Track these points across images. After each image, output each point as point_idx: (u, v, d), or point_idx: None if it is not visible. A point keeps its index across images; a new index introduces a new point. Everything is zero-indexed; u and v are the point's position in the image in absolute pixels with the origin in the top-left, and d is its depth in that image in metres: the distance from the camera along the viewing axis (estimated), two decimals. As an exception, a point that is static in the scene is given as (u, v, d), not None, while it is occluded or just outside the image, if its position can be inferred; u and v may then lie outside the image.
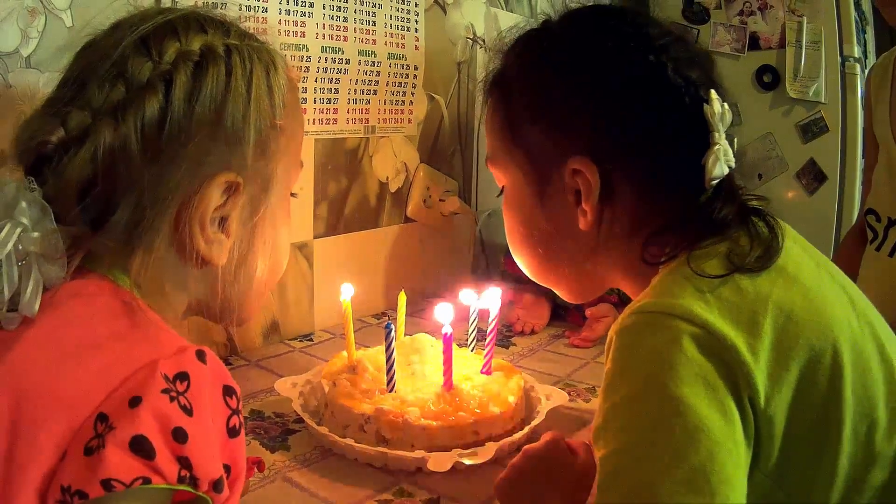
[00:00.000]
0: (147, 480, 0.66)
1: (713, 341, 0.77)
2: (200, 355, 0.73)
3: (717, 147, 0.87)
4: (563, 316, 2.00)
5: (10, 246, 0.71)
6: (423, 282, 2.12)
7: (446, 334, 1.27)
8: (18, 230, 0.71)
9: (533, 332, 1.92)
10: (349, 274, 1.84)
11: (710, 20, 3.18)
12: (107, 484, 0.65)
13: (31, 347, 0.71)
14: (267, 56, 0.86)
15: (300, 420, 1.30)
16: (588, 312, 1.86)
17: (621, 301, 1.86)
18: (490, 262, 2.45)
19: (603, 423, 0.80)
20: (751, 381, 0.76)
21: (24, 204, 0.72)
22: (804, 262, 0.90)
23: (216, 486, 0.72)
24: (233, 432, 0.75)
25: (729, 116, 0.89)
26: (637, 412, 0.78)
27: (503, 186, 1.06)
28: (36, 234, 0.72)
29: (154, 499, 0.69)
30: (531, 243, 1.03)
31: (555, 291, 1.09)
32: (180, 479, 0.69)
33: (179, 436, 0.68)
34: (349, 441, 1.19)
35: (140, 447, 0.66)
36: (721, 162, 0.87)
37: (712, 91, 0.89)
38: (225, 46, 0.82)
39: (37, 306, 0.72)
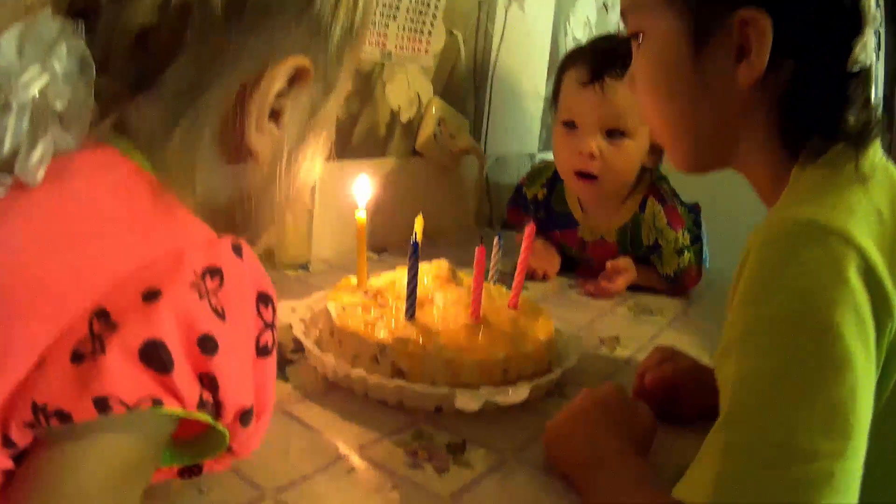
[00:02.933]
0: (158, 402, 0.51)
1: (870, 272, 0.70)
2: (237, 249, 0.58)
3: (865, 37, 0.80)
4: (572, 268, 1.83)
5: (32, 91, 0.56)
6: (426, 221, 1.94)
7: (479, 252, 1.09)
8: (47, 78, 0.57)
9: (545, 279, 1.76)
10: (352, 203, 1.70)
11: None
12: (102, 403, 0.49)
13: (21, 222, 0.55)
14: None
15: (299, 349, 1.13)
16: (609, 265, 1.70)
17: (637, 259, 1.73)
18: (494, 208, 2.29)
19: (741, 336, 0.73)
20: (892, 320, 0.70)
21: (63, 49, 0.58)
22: None
23: (244, 417, 0.57)
24: (263, 351, 0.60)
25: (880, 18, 0.82)
26: (783, 333, 0.70)
27: (639, 35, 0.95)
28: (66, 89, 0.58)
29: (157, 429, 0.55)
30: (667, 97, 0.94)
31: (667, 152, 1.01)
32: (201, 405, 0.54)
33: (208, 345, 0.52)
34: (360, 372, 1.00)
35: (153, 356, 0.50)
36: (868, 51, 0.80)
37: None
38: None
39: (40, 175, 0.56)
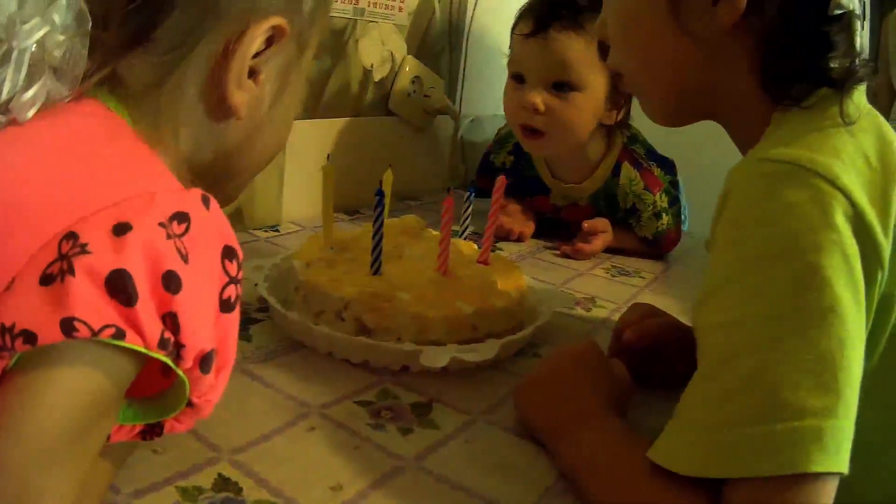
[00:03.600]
0: (120, 333, 0.51)
1: (858, 217, 0.67)
2: (205, 200, 0.59)
3: None
4: (548, 230, 1.78)
5: (30, 40, 0.58)
6: (400, 181, 1.90)
7: (447, 203, 1.05)
8: (46, 28, 0.59)
9: (519, 240, 1.72)
10: (323, 163, 1.65)
11: None
12: (67, 325, 0.49)
13: (4, 150, 0.57)
14: None
15: (264, 308, 1.09)
16: (585, 225, 1.65)
17: (615, 222, 1.69)
18: (469, 168, 2.24)
19: (721, 281, 0.71)
20: (883, 271, 0.68)
21: (63, 2, 0.60)
22: None
23: (204, 362, 0.57)
24: (226, 306, 0.59)
25: None
26: (766, 277, 0.67)
27: None
28: (61, 38, 0.60)
29: (120, 369, 0.54)
30: (643, 43, 0.91)
31: (643, 104, 0.96)
32: (161, 343, 0.53)
33: (172, 282, 0.53)
34: (323, 329, 0.96)
35: (119, 286, 0.50)
36: None
37: None
38: None
39: (30, 113, 0.58)
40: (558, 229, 1.76)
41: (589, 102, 1.58)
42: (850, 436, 0.63)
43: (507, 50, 1.67)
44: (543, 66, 1.57)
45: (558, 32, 1.54)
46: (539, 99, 1.57)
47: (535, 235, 1.76)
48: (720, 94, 0.87)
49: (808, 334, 0.64)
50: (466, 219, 1.22)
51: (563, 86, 1.56)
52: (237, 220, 1.55)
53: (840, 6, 0.77)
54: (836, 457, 0.62)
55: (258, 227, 1.60)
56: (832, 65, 0.78)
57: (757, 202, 0.70)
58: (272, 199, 1.63)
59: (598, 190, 1.70)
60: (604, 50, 1.50)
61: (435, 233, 1.18)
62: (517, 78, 1.62)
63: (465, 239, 1.21)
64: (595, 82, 1.57)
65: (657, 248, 1.69)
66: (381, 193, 1.02)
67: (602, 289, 1.42)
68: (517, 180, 1.75)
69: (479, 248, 1.18)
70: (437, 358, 0.91)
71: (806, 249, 0.66)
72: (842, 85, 0.77)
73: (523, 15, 1.64)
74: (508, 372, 0.99)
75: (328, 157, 1.21)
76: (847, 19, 0.79)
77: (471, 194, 1.21)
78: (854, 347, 0.65)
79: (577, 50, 1.55)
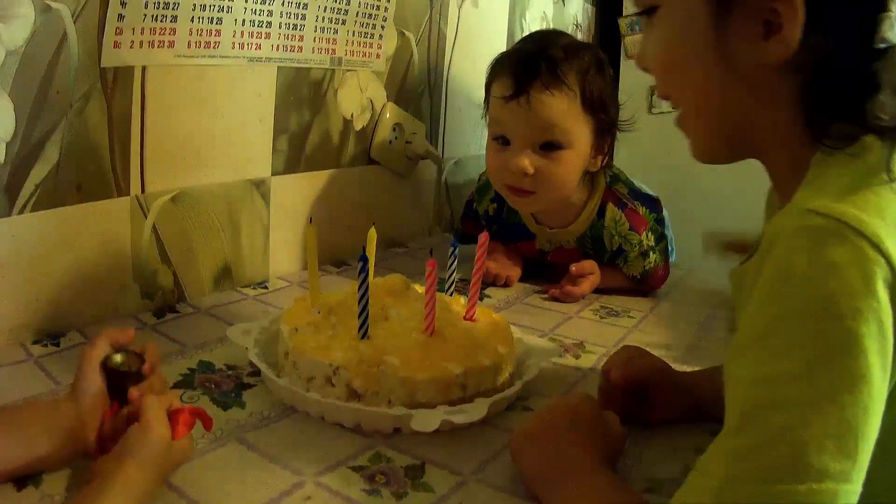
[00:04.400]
0: None
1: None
2: None
3: (891, 12, 0.77)
4: (536, 273, 1.82)
5: None
6: (386, 229, 1.95)
7: (431, 265, 1.08)
8: None
9: (506, 285, 1.76)
10: (309, 216, 1.69)
11: None
12: None
13: None
14: None
15: (256, 373, 1.13)
16: (573, 268, 1.68)
17: (602, 260, 1.73)
18: (455, 211, 2.29)
19: (758, 335, 0.71)
20: None
21: None
22: None
23: None
24: None
25: None
26: (804, 336, 0.68)
27: (653, 10, 0.91)
28: None
29: None
30: (685, 75, 0.91)
31: (687, 137, 0.96)
32: None
33: None
34: (314, 396, 1.00)
35: None
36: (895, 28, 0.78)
37: None
38: None
39: None
40: (545, 270, 1.80)
41: (576, 157, 1.60)
42: (856, 499, 0.66)
43: (482, 96, 1.71)
44: (528, 129, 1.58)
45: (540, 93, 1.54)
46: (527, 162, 1.57)
47: (523, 278, 1.80)
48: (762, 130, 0.88)
49: (839, 400, 0.66)
50: (452, 273, 1.26)
51: (549, 145, 1.58)
52: (225, 277, 1.60)
53: (885, 40, 0.78)
54: None
55: (247, 285, 1.64)
56: (880, 113, 0.78)
57: (800, 258, 0.70)
58: (258, 256, 1.67)
59: (584, 233, 1.73)
60: (586, 101, 1.54)
61: (420, 290, 1.22)
62: (500, 140, 1.63)
63: (450, 293, 1.25)
64: (581, 135, 1.58)
65: (646, 285, 1.73)
66: (364, 259, 1.06)
67: (591, 332, 1.46)
68: (501, 227, 1.81)
69: (466, 301, 1.22)
70: (427, 422, 0.95)
71: (845, 315, 0.67)
72: (891, 135, 0.78)
73: (498, 73, 1.64)
74: (499, 428, 1.03)
75: (310, 220, 1.24)
76: (893, 56, 0.79)
77: (455, 248, 1.25)
78: (875, 414, 0.66)
79: (561, 108, 1.55)
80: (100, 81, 1.30)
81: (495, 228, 1.82)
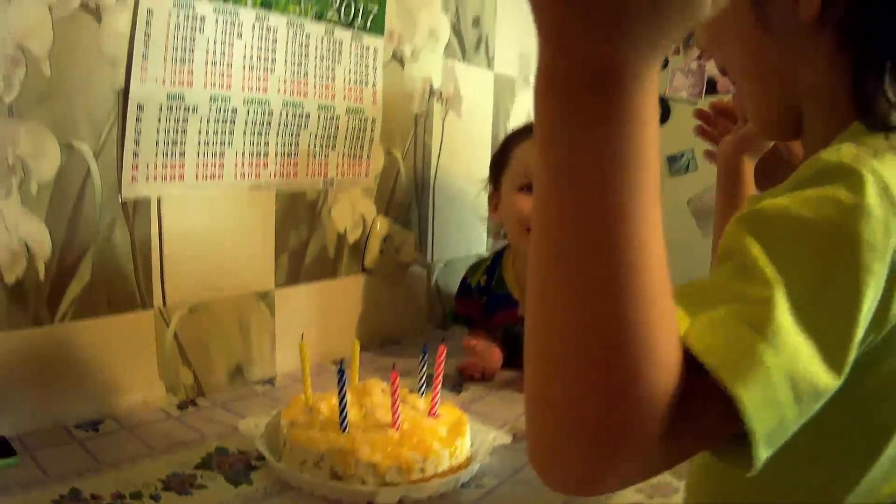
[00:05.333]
0: None
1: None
2: None
3: None
4: (517, 362, 2.02)
5: None
6: (381, 329, 2.23)
7: (394, 376, 1.36)
8: None
9: (484, 378, 1.99)
10: (309, 322, 1.97)
11: (667, 66, 3.34)
12: None
13: None
14: None
15: (262, 457, 1.38)
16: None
17: None
18: (446, 309, 2.54)
19: (770, 217, 0.70)
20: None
21: None
22: None
23: None
24: None
25: None
26: (816, 245, 0.67)
27: None
28: None
29: None
30: (734, 47, 0.94)
31: (746, 107, 0.99)
32: None
33: None
34: (305, 476, 1.29)
35: None
36: None
37: None
38: None
39: None
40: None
41: None
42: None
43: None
44: None
45: None
46: None
47: (506, 364, 2.02)
48: (807, 98, 0.89)
49: (840, 319, 0.65)
50: (422, 378, 1.53)
51: None
52: (238, 374, 1.87)
53: None
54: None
55: (257, 382, 1.90)
56: None
57: (824, 179, 0.70)
58: (266, 357, 1.93)
59: None
60: None
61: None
62: (527, 189, 1.96)
63: (421, 392, 1.53)
64: None
65: None
66: (342, 372, 1.34)
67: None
68: (489, 297, 2.10)
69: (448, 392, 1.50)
70: (389, 496, 1.24)
71: (859, 235, 0.65)
72: None
73: (525, 134, 2.01)
74: (453, 502, 1.31)
75: (302, 336, 1.52)
76: None
77: (424, 354, 1.52)
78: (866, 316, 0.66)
79: None
80: (122, 210, 1.56)
81: (484, 299, 2.10)
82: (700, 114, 1.52)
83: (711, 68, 3.23)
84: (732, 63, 0.96)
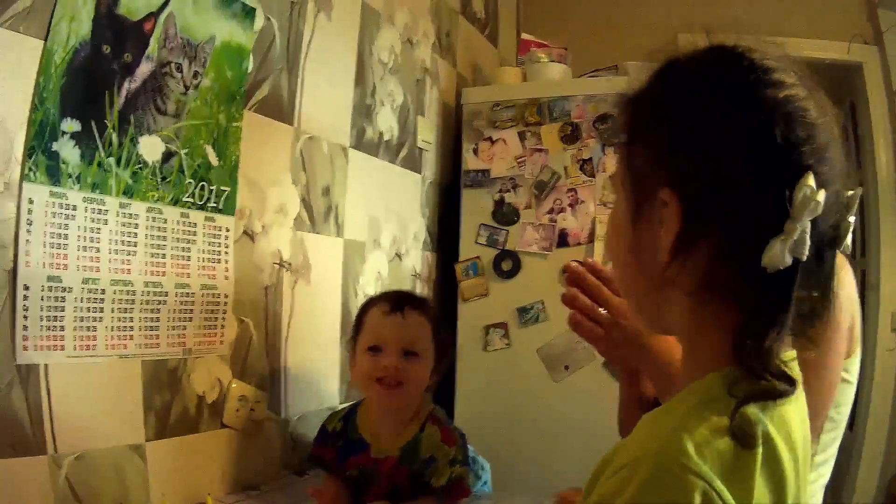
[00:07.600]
0: None
1: None
2: None
3: (784, 237, 0.83)
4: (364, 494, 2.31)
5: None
6: (241, 476, 2.55)
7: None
8: None
9: None
10: (178, 473, 2.29)
11: (519, 220, 3.65)
12: None
13: None
14: None
15: None
16: None
17: (414, 473, 2.26)
18: (301, 457, 2.82)
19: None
20: None
21: None
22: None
23: None
24: None
25: (821, 207, 0.83)
26: None
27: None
28: None
29: None
30: (618, 251, 1.05)
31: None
32: None
33: None
34: None
35: None
36: (784, 252, 0.83)
37: (809, 174, 0.83)
38: None
39: None
40: (372, 485, 2.32)
41: (426, 368, 2.29)
42: None
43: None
44: (400, 337, 2.24)
45: (412, 310, 2.27)
46: (397, 360, 2.23)
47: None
48: (666, 314, 0.99)
49: None
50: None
51: (410, 354, 2.25)
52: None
53: (767, 264, 0.82)
54: None
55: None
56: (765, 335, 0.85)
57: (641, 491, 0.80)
58: (143, 500, 2.19)
59: (408, 442, 2.29)
60: (435, 329, 2.20)
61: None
62: (374, 349, 2.25)
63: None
64: (429, 354, 2.29)
65: (450, 497, 2.21)
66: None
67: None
68: (344, 442, 2.41)
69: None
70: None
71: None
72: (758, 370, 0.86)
73: (376, 301, 2.35)
74: None
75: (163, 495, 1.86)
76: (785, 280, 0.84)
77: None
78: None
79: (423, 328, 2.28)
80: (17, 373, 1.81)
81: (340, 443, 2.41)
82: (570, 278, 1.46)
83: (563, 221, 3.47)
84: (613, 262, 1.09)
